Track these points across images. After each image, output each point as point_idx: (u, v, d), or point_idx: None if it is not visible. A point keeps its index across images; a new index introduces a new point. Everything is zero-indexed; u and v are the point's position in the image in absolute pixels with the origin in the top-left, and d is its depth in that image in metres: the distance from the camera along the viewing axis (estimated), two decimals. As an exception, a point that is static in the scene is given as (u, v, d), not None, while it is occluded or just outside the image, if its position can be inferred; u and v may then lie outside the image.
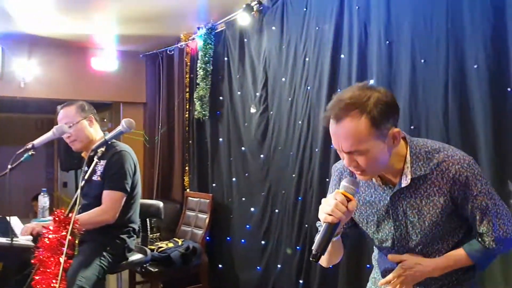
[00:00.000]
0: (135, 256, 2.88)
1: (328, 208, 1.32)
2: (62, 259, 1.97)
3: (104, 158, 2.66)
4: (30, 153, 2.31)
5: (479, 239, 1.47)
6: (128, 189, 2.68)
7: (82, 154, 2.85)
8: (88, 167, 2.18)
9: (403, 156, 1.44)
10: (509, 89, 2.06)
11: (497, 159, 2.09)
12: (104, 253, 2.64)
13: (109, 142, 2.68)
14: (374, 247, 1.71)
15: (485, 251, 1.47)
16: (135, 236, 2.86)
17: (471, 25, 2.18)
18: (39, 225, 2.48)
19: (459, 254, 1.48)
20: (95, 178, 2.67)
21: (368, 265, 2.68)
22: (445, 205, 1.43)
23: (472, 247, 1.48)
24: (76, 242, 2.29)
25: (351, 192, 1.36)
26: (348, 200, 1.34)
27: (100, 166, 2.67)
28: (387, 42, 2.59)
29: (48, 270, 2.08)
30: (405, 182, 1.43)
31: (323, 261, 1.57)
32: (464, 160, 1.41)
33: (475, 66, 2.16)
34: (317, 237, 1.34)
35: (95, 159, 2.09)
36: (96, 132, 2.77)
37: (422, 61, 2.41)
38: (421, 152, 1.44)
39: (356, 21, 2.79)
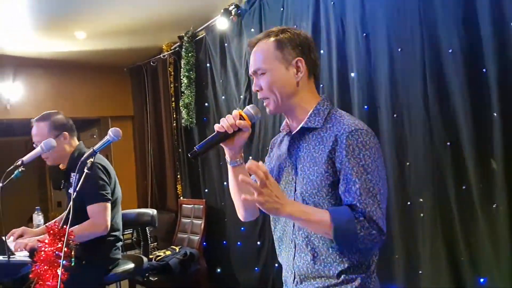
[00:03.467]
0: (126, 266, 2.86)
1: (221, 120, 1.45)
2: (59, 271, 1.99)
3: (76, 171, 2.61)
4: (20, 169, 2.31)
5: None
6: (110, 197, 2.66)
7: (60, 166, 2.83)
8: (78, 178, 2.19)
9: (309, 108, 1.46)
10: (484, 70, 2.12)
11: (478, 139, 2.14)
12: (81, 268, 2.59)
13: (81, 154, 2.65)
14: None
15: (348, 214, 1.28)
16: (119, 245, 2.85)
17: (442, 10, 2.24)
18: (32, 240, 2.47)
19: (323, 209, 1.35)
20: (71, 191, 2.64)
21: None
22: (324, 164, 1.36)
23: (339, 207, 1.34)
24: (72, 253, 2.31)
25: (247, 113, 1.46)
26: (242, 118, 1.44)
27: (73, 179, 2.63)
28: (364, 34, 2.64)
29: (46, 283, 2.11)
30: (296, 129, 1.46)
31: (237, 202, 1.61)
32: (355, 125, 1.37)
33: (450, 51, 2.22)
34: None
35: (86, 170, 2.10)
36: (71, 146, 2.75)
37: (399, 50, 2.46)
38: (325, 111, 1.45)
39: (332, 16, 2.84)
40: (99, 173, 2.66)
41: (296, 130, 1.46)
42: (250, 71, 1.49)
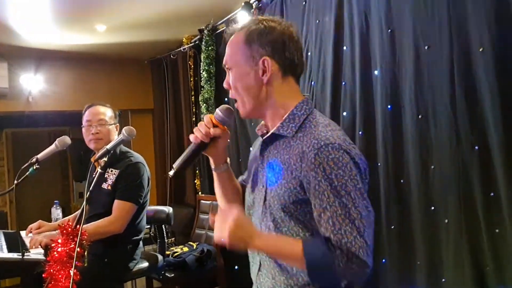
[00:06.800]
0: (141, 265, 2.85)
1: (194, 130, 1.36)
2: (72, 272, 1.97)
3: (117, 167, 2.67)
4: (34, 167, 2.31)
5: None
6: (140, 201, 2.67)
7: (92, 159, 2.84)
8: (92, 176, 2.17)
9: (284, 112, 1.32)
10: (517, 70, 1.99)
11: (508, 144, 2.02)
12: (102, 265, 2.60)
13: (123, 151, 2.73)
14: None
15: (322, 248, 1.15)
16: (141, 245, 2.84)
17: (473, 5, 2.11)
18: (46, 237, 2.46)
19: (295, 240, 1.23)
20: (104, 186, 2.66)
21: (383, 260, 2.63)
22: (293, 180, 1.22)
23: (314, 239, 1.22)
24: (85, 253, 2.29)
25: (218, 119, 1.36)
26: (215, 126, 1.35)
27: (112, 175, 2.66)
28: (389, 30, 2.53)
29: (59, 284, 2.09)
30: (268, 135, 1.35)
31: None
32: (326, 139, 1.20)
33: (481, 49, 2.09)
34: None
35: (99, 169, 2.08)
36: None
37: (426, 47, 2.34)
38: (301, 117, 1.30)
39: (356, 11, 2.73)
40: (144, 175, 2.69)
41: (266, 136, 1.35)
42: (223, 63, 1.39)
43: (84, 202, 2.06)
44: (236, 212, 1.21)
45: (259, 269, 1.37)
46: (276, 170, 1.28)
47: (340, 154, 1.18)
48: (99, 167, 2.08)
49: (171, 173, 1.38)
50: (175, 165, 1.37)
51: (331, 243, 1.15)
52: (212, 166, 1.46)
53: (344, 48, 2.84)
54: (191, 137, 1.36)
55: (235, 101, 1.38)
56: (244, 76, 1.31)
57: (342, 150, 1.19)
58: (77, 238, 2.00)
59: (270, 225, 1.29)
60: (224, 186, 1.49)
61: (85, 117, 2.77)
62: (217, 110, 1.38)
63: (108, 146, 2.02)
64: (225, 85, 1.38)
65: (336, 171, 1.17)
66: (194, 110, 4.73)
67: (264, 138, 1.36)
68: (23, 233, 2.83)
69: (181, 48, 4.77)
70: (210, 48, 4.26)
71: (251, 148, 1.57)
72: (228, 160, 1.47)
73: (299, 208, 1.23)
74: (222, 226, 1.21)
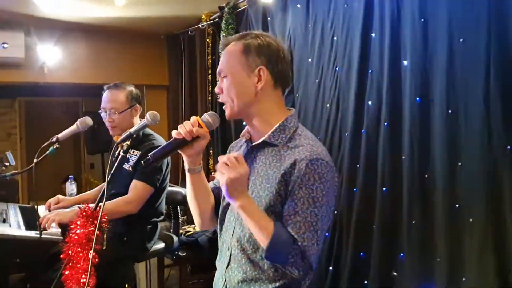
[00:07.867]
0: (157, 246, 2.86)
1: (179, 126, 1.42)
2: (90, 254, 1.95)
3: (139, 149, 2.62)
4: (55, 146, 2.28)
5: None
6: (158, 184, 2.65)
7: (114, 138, 2.79)
8: (115, 159, 2.13)
9: (273, 121, 1.43)
10: (559, 69, 1.91)
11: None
12: (120, 244, 2.58)
13: (146, 134, 2.67)
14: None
15: (288, 237, 1.31)
16: (159, 227, 2.83)
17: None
18: (58, 214, 2.42)
19: (270, 218, 1.35)
20: (126, 167, 2.62)
21: (402, 254, 2.60)
22: (277, 184, 1.36)
23: (282, 225, 1.35)
24: (104, 236, 2.28)
25: (205, 121, 1.42)
26: (199, 126, 1.41)
27: (134, 156, 2.62)
28: (422, 20, 2.44)
29: (77, 266, 2.08)
30: (257, 141, 1.45)
31: (193, 210, 1.58)
32: (317, 154, 1.35)
33: (521, 45, 2.01)
34: None
35: (121, 153, 2.04)
36: (136, 121, 2.71)
37: (461, 40, 2.25)
38: (291, 130, 1.43)
39: (387, -3, 2.64)
40: (167, 159, 2.64)
41: (257, 142, 1.45)
42: (217, 71, 1.48)
43: (105, 184, 2.02)
44: (247, 169, 1.32)
45: (228, 264, 1.47)
46: (261, 174, 1.40)
47: (326, 170, 1.34)
48: (121, 149, 2.05)
49: (144, 162, 1.42)
50: (151, 154, 1.42)
51: (294, 241, 1.31)
52: (186, 167, 1.49)
53: (373, 35, 2.76)
54: (174, 132, 1.42)
55: (223, 105, 1.46)
56: (240, 83, 1.42)
57: (328, 167, 1.35)
58: (97, 221, 1.98)
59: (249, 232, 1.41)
60: (197, 187, 1.53)
61: (102, 101, 2.71)
62: (205, 114, 1.46)
63: (132, 130, 1.96)
64: (217, 90, 1.47)
65: (318, 184, 1.33)
66: (210, 89, 4.66)
67: (253, 144, 1.46)
68: (40, 209, 2.80)
69: (200, 25, 4.66)
70: (230, 26, 4.15)
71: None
72: (201, 163, 1.51)
73: (277, 211, 1.36)
74: (230, 169, 1.29)
